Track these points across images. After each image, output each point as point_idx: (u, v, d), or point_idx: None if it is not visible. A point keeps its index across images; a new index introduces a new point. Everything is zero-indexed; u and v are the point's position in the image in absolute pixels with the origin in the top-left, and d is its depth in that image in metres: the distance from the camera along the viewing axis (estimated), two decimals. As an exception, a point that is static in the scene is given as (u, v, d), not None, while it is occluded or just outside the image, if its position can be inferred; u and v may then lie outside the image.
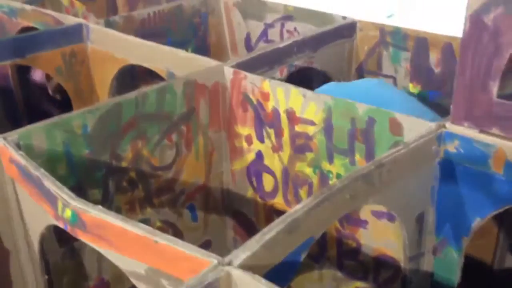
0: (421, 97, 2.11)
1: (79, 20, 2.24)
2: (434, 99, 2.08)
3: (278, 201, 1.74)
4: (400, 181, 1.22)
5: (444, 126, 1.28)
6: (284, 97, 1.61)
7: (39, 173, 1.14)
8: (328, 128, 1.52)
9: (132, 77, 2.34)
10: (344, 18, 2.19)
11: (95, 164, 1.52)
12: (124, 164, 1.60)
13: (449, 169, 1.29)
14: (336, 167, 1.52)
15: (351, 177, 1.09)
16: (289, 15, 2.40)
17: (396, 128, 1.36)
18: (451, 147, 1.27)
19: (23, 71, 2.65)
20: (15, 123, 2.41)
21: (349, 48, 2.20)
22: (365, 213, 1.47)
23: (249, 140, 1.78)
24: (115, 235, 1.00)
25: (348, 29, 2.16)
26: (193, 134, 1.77)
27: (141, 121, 1.61)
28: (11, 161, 1.25)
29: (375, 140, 1.41)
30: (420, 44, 2.02)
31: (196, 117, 1.76)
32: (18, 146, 1.30)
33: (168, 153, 1.72)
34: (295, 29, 2.41)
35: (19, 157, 1.20)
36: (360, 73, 2.25)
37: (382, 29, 2.10)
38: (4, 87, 2.55)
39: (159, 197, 1.72)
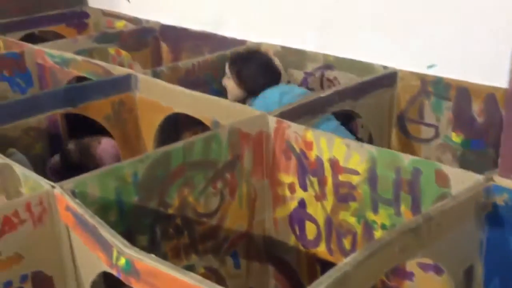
0: (464, 146, 2.10)
1: (128, 70, 2.34)
2: (477, 148, 2.07)
3: (321, 250, 1.74)
4: (448, 234, 1.21)
5: (492, 179, 1.28)
6: (327, 146, 1.64)
7: (95, 221, 1.18)
8: (372, 178, 1.53)
9: (176, 124, 2.41)
10: (385, 67, 2.23)
11: (143, 211, 1.56)
12: (171, 211, 1.64)
13: (497, 222, 1.28)
14: (381, 218, 1.52)
15: (399, 230, 1.10)
16: (329, 64, 2.45)
17: (442, 179, 1.36)
18: (500, 200, 1.27)
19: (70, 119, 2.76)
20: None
21: (390, 97, 2.22)
22: (411, 265, 1.46)
23: (292, 188, 1.80)
24: (168, 284, 1.03)
25: (389, 79, 2.19)
26: (237, 182, 1.81)
27: (188, 169, 1.66)
28: (67, 209, 1.31)
29: (421, 191, 1.41)
30: (462, 93, 2.03)
31: (240, 165, 1.80)
32: (74, 194, 1.35)
33: (213, 200, 1.75)
34: (335, 78, 2.46)
35: (76, 205, 1.25)
36: (402, 122, 2.26)
37: (423, 79, 2.12)
38: (54, 134, 2.66)
39: (204, 243, 1.74)
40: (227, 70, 2.36)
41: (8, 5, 3.35)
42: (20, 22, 3.27)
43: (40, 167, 2.34)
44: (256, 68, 2.31)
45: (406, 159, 1.44)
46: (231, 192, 1.79)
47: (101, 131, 2.37)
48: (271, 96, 2.24)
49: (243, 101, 2.34)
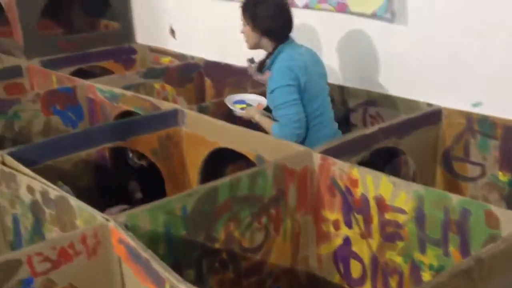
0: (511, 185, 2.07)
1: (175, 105, 2.41)
2: (525, 188, 2.04)
3: (366, 289, 1.73)
4: (499, 278, 1.19)
5: (544, 221, 1.26)
6: (373, 184, 1.64)
7: (147, 254, 1.22)
8: (419, 217, 1.53)
9: (220, 158, 2.45)
10: (429, 105, 2.23)
11: (191, 244, 1.59)
12: (217, 245, 1.66)
13: (551, 265, 1.25)
14: (429, 258, 1.50)
15: (450, 272, 1.09)
16: (372, 100, 2.47)
17: (492, 221, 1.35)
18: (552, 243, 1.24)
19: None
20: (106, 200, 2.56)
21: (435, 134, 2.21)
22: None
23: (336, 225, 1.80)
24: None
25: (433, 116, 2.19)
26: (282, 217, 1.82)
27: (234, 204, 1.68)
28: (120, 242, 1.35)
29: (470, 232, 1.40)
30: (509, 132, 2.01)
31: (285, 200, 1.81)
32: (126, 227, 1.40)
33: (257, 235, 1.77)
34: (378, 114, 2.47)
35: (129, 238, 1.29)
36: (447, 159, 2.25)
37: (469, 117, 2.11)
38: (101, 166, 2.74)
39: (248, 278, 1.76)
40: (242, 17, 2.26)
41: (61, 41, 3.50)
42: (71, 57, 3.42)
43: (87, 199, 2.41)
44: (270, 8, 2.20)
45: (455, 199, 1.43)
46: (275, 227, 1.81)
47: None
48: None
49: (259, 45, 2.26)
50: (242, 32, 2.28)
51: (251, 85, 2.93)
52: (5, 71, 3.17)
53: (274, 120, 2.22)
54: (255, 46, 2.28)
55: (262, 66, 2.31)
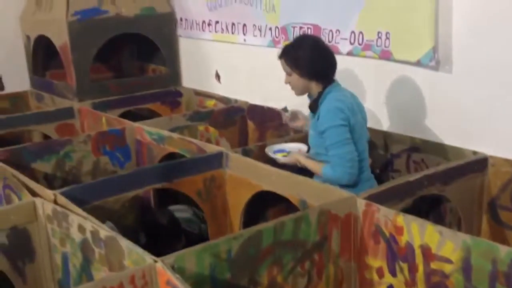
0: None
1: (219, 148, 2.46)
2: None
3: None
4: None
5: None
6: (419, 232, 1.63)
7: (195, 297, 1.24)
8: (466, 268, 1.50)
9: (262, 200, 2.47)
10: (474, 153, 2.21)
11: (235, 288, 1.61)
12: (259, 289, 1.67)
13: None
14: (477, 310, 1.47)
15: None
16: (417, 147, 2.46)
17: (543, 274, 1.32)
18: None
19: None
20: (152, 240, 2.61)
21: (480, 182, 2.19)
22: None
23: (380, 272, 1.79)
24: None
25: (479, 164, 2.17)
26: (325, 263, 1.82)
27: (278, 249, 1.70)
28: (168, 283, 1.38)
29: (520, 284, 1.37)
30: (559, 181, 1.97)
31: (328, 246, 1.82)
32: (173, 268, 1.43)
33: (300, 280, 1.77)
34: (422, 160, 2.46)
35: (177, 281, 1.32)
36: (493, 208, 2.21)
37: (516, 166, 2.09)
38: (146, 206, 2.81)
39: (290, 324, 1.75)
40: (284, 67, 2.25)
41: (112, 85, 3.65)
42: (121, 100, 3.55)
43: (130, 237, 2.46)
44: (310, 50, 2.18)
45: (503, 250, 1.41)
46: (318, 273, 1.81)
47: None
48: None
49: (308, 89, 2.25)
50: (288, 82, 2.27)
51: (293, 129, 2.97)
52: (57, 112, 3.31)
53: (321, 162, 2.21)
54: (304, 92, 2.28)
55: (314, 108, 2.24)
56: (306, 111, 2.42)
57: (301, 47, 2.20)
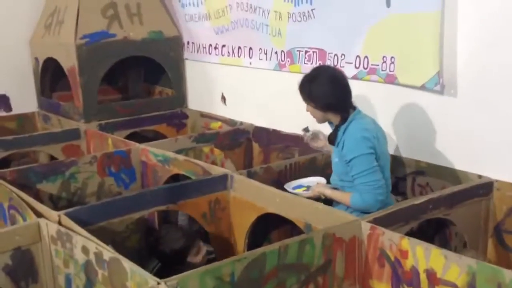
0: None
1: (225, 170, 2.46)
2: None
3: None
4: None
5: None
6: (424, 256, 1.62)
7: (197, 320, 1.23)
8: (472, 293, 1.49)
9: (266, 223, 2.46)
10: (479, 177, 2.21)
11: (238, 311, 1.59)
12: (263, 312, 1.66)
13: None
14: (483, 336, 1.45)
15: None
16: (422, 170, 2.46)
17: (549, 300, 1.30)
18: None
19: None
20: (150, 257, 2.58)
21: (485, 206, 2.18)
22: None
23: (385, 296, 1.77)
24: None
25: (484, 188, 2.16)
26: (329, 286, 1.81)
27: (282, 271, 1.69)
28: (171, 305, 1.37)
29: (526, 310, 1.35)
30: None
31: (333, 269, 1.80)
32: (176, 291, 1.42)
33: (304, 304, 1.76)
34: (427, 184, 2.45)
35: (179, 303, 1.31)
36: (498, 232, 2.19)
37: (522, 190, 2.08)
38: (149, 227, 2.80)
39: None
40: (302, 98, 2.24)
41: (118, 106, 3.68)
42: (127, 121, 3.58)
43: (133, 258, 2.45)
44: (324, 84, 2.17)
45: (508, 275, 1.40)
46: (322, 297, 1.79)
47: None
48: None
49: (327, 119, 2.25)
50: (307, 110, 2.27)
51: (299, 151, 2.98)
52: (63, 133, 3.34)
53: (346, 192, 2.20)
54: (323, 121, 2.28)
55: (334, 139, 2.23)
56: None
57: (315, 81, 2.19)
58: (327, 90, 2.18)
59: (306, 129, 2.47)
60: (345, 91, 2.21)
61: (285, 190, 2.33)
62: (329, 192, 2.25)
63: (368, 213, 2.01)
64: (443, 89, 2.31)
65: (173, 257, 2.27)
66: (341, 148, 2.17)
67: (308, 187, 2.37)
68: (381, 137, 2.20)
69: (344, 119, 2.19)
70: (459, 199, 2.11)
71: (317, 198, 2.27)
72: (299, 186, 2.42)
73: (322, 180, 2.43)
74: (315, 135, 2.47)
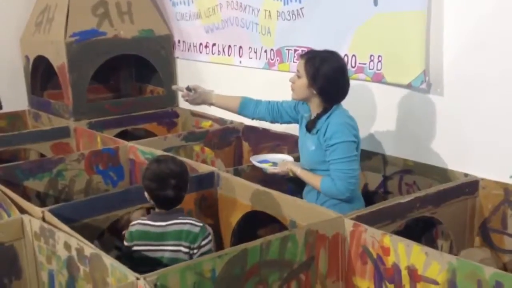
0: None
1: (211, 168, 2.46)
2: None
3: None
4: None
5: None
6: (405, 253, 1.62)
7: (174, 315, 1.23)
8: (452, 289, 1.49)
9: (255, 220, 2.46)
10: (466, 175, 2.21)
11: (219, 308, 1.59)
12: (245, 309, 1.65)
13: None
14: (462, 332, 1.45)
15: None
16: (409, 169, 2.46)
17: (527, 295, 1.30)
18: None
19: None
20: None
21: (471, 205, 2.17)
22: None
23: (368, 293, 1.77)
24: None
25: (470, 187, 2.16)
26: (312, 283, 1.80)
27: (264, 268, 1.68)
28: (149, 301, 1.37)
29: (504, 306, 1.35)
30: (549, 205, 1.96)
31: (316, 266, 1.80)
32: (156, 286, 1.42)
33: (287, 301, 1.76)
34: (414, 182, 2.45)
35: (157, 298, 1.31)
36: (484, 230, 2.19)
37: (507, 189, 2.07)
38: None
39: None
40: (300, 68, 2.16)
41: (108, 105, 3.67)
42: (117, 120, 3.57)
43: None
44: (333, 70, 2.12)
45: (488, 272, 1.40)
46: (305, 293, 1.79)
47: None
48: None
49: (308, 100, 2.20)
50: (293, 81, 2.20)
51: (288, 149, 2.97)
52: (53, 131, 3.33)
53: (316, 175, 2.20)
54: (301, 99, 2.23)
55: (312, 127, 2.19)
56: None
57: (328, 62, 2.12)
58: (334, 77, 2.13)
59: (188, 88, 2.48)
60: (347, 87, 2.18)
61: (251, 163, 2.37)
62: (299, 171, 2.24)
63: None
64: (430, 87, 2.31)
65: None
66: (322, 135, 2.15)
67: (275, 164, 2.37)
68: (358, 128, 2.20)
69: (325, 110, 2.17)
70: (446, 198, 2.11)
71: (284, 175, 2.27)
72: (265, 161, 2.42)
73: (289, 158, 2.42)
74: (196, 92, 2.49)
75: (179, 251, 1.89)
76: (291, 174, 2.27)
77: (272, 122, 2.48)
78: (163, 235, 1.90)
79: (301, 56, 2.21)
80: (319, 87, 2.13)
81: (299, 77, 2.17)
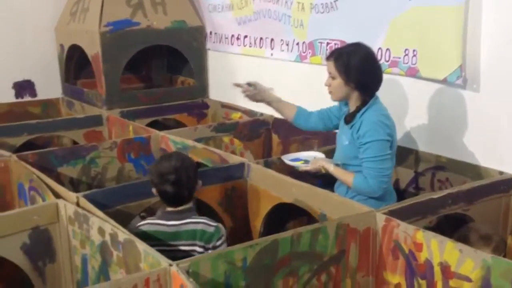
0: None
1: (242, 159, 2.47)
2: None
3: None
4: None
5: None
6: (438, 249, 1.60)
7: (207, 302, 1.24)
8: (485, 287, 1.47)
9: (284, 213, 2.46)
10: (501, 173, 2.17)
11: (249, 296, 1.60)
12: (274, 299, 1.66)
13: None
14: (495, 331, 1.43)
15: None
16: (442, 165, 2.43)
17: None
18: None
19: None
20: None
21: (505, 203, 2.14)
22: None
23: (398, 289, 1.76)
24: None
25: (505, 184, 2.12)
26: (342, 277, 1.80)
27: (294, 259, 1.69)
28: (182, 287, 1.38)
29: (541, 306, 1.33)
30: None
31: (346, 260, 1.80)
32: (188, 273, 1.43)
33: (316, 293, 1.76)
34: (447, 179, 2.42)
35: (190, 285, 1.32)
36: (518, 229, 2.16)
37: (543, 187, 2.04)
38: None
39: (304, 338, 1.73)
40: (331, 69, 2.15)
41: (140, 95, 3.71)
42: (149, 110, 3.61)
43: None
44: (363, 60, 2.11)
45: (524, 270, 1.37)
46: (335, 286, 1.79)
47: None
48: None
49: (348, 98, 2.19)
50: (329, 84, 2.18)
51: (318, 144, 2.96)
52: (86, 119, 3.38)
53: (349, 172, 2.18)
54: (342, 99, 2.21)
55: (351, 120, 2.18)
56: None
57: (355, 55, 2.12)
58: (366, 67, 2.12)
59: (249, 83, 2.46)
60: (379, 74, 2.16)
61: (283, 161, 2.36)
62: (331, 168, 2.22)
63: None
64: (466, 83, 2.27)
65: None
66: (355, 130, 2.14)
67: (306, 161, 2.36)
68: (394, 125, 2.18)
69: (364, 103, 2.15)
70: (479, 195, 2.08)
71: (316, 173, 2.25)
72: (297, 159, 2.41)
73: (321, 155, 2.41)
74: (256, 88, 2.45)
75: (194, 250, 1.90)
76: (323, 171, 2.26)
77: (325, 129, 2.44)
78: (177, 234, 1.91)
79: (327, 58, 2.20)
80: (356, 81, 2.12)
81: (333, 78, 2.17)
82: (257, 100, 2.53)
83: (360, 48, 2.16)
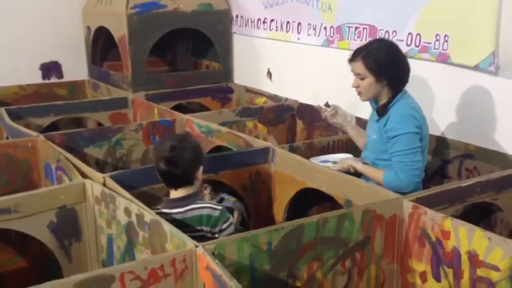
0: None
1: (267, 143, 2.46)
2: None
3: None
4: None
5: None
6: (466, 237, 1.58)
7: (233, 284, 1.24)
8: (515, 277, 1.44)
9: (307, 198, 2.45)
10: (531, 162, 2.13)
11: (273, 280, 1.60)
12: (298, 283, 1.65)
13: None
14: (524, 321, 1.41)
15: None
16: (470, 154, 2.38)
17: None
18: None
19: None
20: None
21: (536, 193, 2.10)
22: None
23: (423, 277, 1.74)
24: None
25: (536, 174, 2.08)
26: (367, 263, 1.79)
27: (319, 244, 1.68)
28: (207, 269, 1.38)
29: None
30: None
31: (371, 246, 1.78)
32: (213, 255, 1.43)
33: (339, 278, 1.74)
34: (475, 168, 2.38)
35: (216, 266, 1.33)
36: (548, 221, 2.11)
37: None
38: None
39: (328, 322, 1.73)
40: (360, 69, 2.12)
41: (166, 78, 3.72)
42: (173, 93, 3.62)
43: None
44: (390, 55, 2.09)
45: (556, 261, 1.34)
46: (359, 272, 1.78)
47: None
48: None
49: (378, 95, 2.16)
50: (357, 86, 2.16)
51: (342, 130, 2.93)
52: (112, 102, 3.41)
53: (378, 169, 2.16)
54: (373, 97, 2.19)
55: (383, 113, 2.14)
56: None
57: (382, 50, 2.10)
58: (396, 59, 2.11)
59: (327, 104, 2.44)
60: (407, 66, 2.15)
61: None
62: (360, 166, 2.21)
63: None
64: (498, 70, 2.22)
65: None
66: (382, 125, 2.12)
67: (335, 163, 2.34)
68: (424, 118, 2.15)
69: (393, 97, 2.13)
70: (509, 184, 2.04)
71: (346, 172, 2.23)
72: (326, 161, 2.39)
73: (350, 156, 2.39)
74: (335, 111, 2.43)
75: (202, 236, 1.89)
76: (352, 171, 2.24)
77: None
78: (183, 222, 1.90)
79: (351, 59, 2.15)
80: (388, 76, 2.10)
81: (362, 79, 2.13)
82: (334, 123, 2.49)
83: (384, 42, 2.17)
